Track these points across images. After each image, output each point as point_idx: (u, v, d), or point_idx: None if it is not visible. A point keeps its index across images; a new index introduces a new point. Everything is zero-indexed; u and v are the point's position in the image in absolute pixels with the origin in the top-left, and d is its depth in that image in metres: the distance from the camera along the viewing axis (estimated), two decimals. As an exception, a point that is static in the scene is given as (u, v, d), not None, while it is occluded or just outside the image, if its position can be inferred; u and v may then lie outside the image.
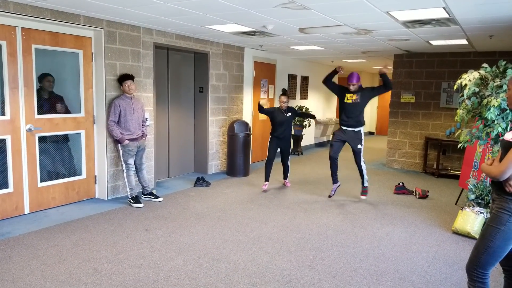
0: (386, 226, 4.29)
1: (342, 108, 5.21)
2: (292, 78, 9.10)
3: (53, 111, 4.56)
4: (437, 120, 7.33)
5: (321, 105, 10.68)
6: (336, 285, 2.93)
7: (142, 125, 4.90)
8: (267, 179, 5.79)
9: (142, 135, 4.88)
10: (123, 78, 4.71)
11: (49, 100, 4.56)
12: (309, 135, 9.96)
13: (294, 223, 4.30)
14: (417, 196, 5.53)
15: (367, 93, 5.20)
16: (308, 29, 5.04)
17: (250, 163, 7.11)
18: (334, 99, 11.59)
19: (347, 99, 5.14)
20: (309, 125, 9.34)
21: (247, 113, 7.57)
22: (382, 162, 8.26)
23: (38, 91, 4.45)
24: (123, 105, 4.67)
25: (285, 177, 6.10)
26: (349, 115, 5.14)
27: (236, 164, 6.56)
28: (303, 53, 7.86)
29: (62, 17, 4.26)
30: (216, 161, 6.85)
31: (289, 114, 5.72)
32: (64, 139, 4.74)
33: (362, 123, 5.20)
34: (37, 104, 4.40)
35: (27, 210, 4.35)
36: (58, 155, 4.75)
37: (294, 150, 9.12)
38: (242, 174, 6.60)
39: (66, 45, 4.55)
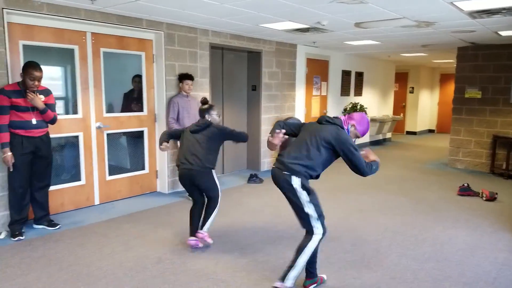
0: (449, 229, 4.06)
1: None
2: (346, 74, 8.90)
3: (138, 109, 5.03)
4: (507, 117, 6.77)
5: (376, 102, 10.33)
6: (395, 287, 2.84)
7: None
8: (193, 232, 3.47)
9: None
10: (184, 77, 4.94)
11: (137, 99, 5.03)
12: (364, 133, 9.67)
13: (350, 222, 4.22)
14: (484, 198, 5.16)
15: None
16: (365, 23, 4.90)
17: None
18: (391, 95, 11.15)
19: None
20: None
21: (299, 111, 7.54)
22: (444, 162, 7.82)
23: (131, 91, 5.00)
24: (181, 103, 4.89)
25: (202, 226, 3.49)
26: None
27: (289, 161, 6.55)
28: (357, 48, 7.65)
29: (127, 21, 4.54)
30: (268, 158, 6.91)
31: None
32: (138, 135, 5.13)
33: None
34: (127, 103, 4.98)
35: (97, 201, 4.71)
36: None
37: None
38: (295, 171, 6.58)
39: (130, 48, 4.84)
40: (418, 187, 5.84)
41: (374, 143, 10.20)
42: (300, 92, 7.49)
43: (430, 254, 3.41)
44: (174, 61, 5.13)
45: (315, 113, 8.01)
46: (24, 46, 3.92)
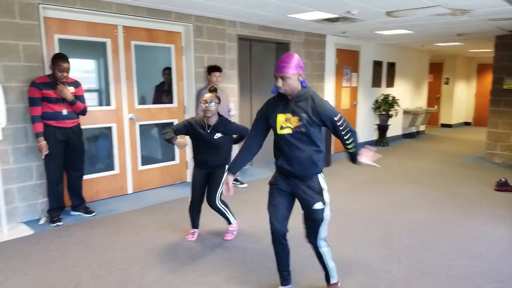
0: (485, 225, 3.90)
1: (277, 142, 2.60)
2: (377, 65, 8.67)
3: (168, 101, 5.13)
4: (551, 108, 6.39)
5: (409, 93, 10.01)
6: (426, 282, 2.77)
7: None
8: (195, 225, 3.56)
9: None
10: (213, 69, 4.98)
11: (167, 91, 5.13)
12: (396, 125, 9.42)
13: (380, 216, 4.14)
14: (523, 194, 4.93)
15: (321, 116, 2.45)
16: (396, 12, 4.74)
17: (332, 153, 6.99)
18: (425, 86, 10.77)
19: (281, 128, 2.46)
20: (396, 115, 8.83)
21: (329, 103, 7.42)
22: (480, 156, 7.50)
23: (162, 83, 5.10)
24: (210, 95, 4.94)
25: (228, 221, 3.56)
26: (290, 155, 2.50)
27: (317, 154, 6.49)
28: (389, 38, 7.43)
29: (156, 14, 4.62)
30: (297, 150, 6.86)
31: (218, 135, 3.32)
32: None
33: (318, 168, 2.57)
34: (158, 95, 5.08)
35: (130, 190, 4.86)
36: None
37: (379, 142, 8.73)
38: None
39: (159, 41, 4.93)
40: (452, 181, 5.65)
41: (406, 136, 9.93)
42: (329, 84, 7.38)
43: (464, 251, 3.30)
44: (203, 53, 5.17)
45: (345, 105, 7.87)
46: (60, 40, 4.07)
